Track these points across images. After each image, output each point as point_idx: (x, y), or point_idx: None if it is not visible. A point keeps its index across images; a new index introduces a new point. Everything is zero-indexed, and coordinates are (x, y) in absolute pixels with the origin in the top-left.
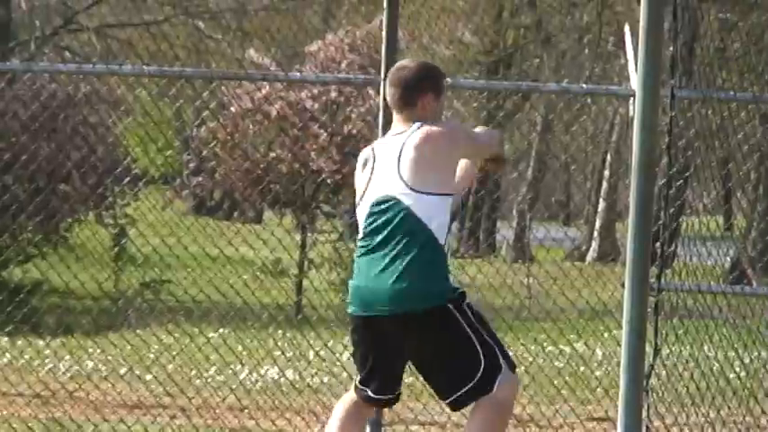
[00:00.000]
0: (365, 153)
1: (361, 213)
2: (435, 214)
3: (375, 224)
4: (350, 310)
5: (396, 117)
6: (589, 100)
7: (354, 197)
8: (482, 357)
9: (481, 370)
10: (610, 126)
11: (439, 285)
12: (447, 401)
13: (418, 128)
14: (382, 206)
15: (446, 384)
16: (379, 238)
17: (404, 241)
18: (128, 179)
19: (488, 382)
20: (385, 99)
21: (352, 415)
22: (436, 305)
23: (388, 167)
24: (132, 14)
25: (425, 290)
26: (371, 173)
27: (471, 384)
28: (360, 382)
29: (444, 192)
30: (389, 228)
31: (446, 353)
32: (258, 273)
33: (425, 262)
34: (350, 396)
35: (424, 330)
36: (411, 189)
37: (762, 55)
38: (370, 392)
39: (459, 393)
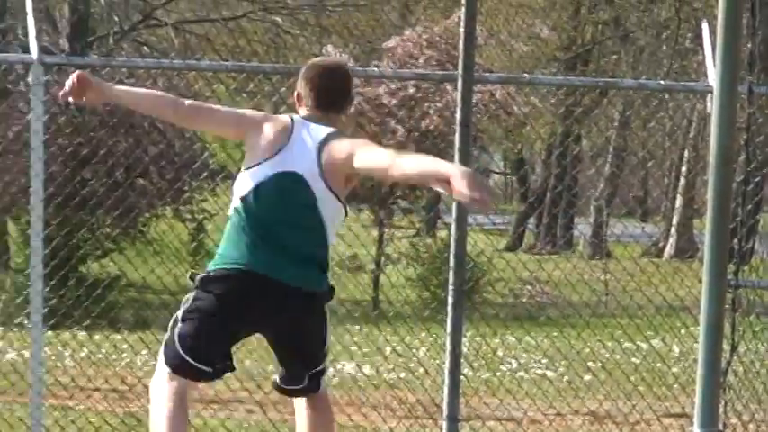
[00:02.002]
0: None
1: None
2: None
3: None
4: None
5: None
6: (667, 96)
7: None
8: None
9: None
10: (687, 122)
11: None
12: None
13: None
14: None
15: None
16: None
17: None
18: (205, 174)
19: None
20: (463, 94)
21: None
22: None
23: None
24: (210, 10)
25: None
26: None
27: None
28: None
29: None
30: None
31: None
32: (335, 268)
33: None
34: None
35: None
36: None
37: None
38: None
39: None
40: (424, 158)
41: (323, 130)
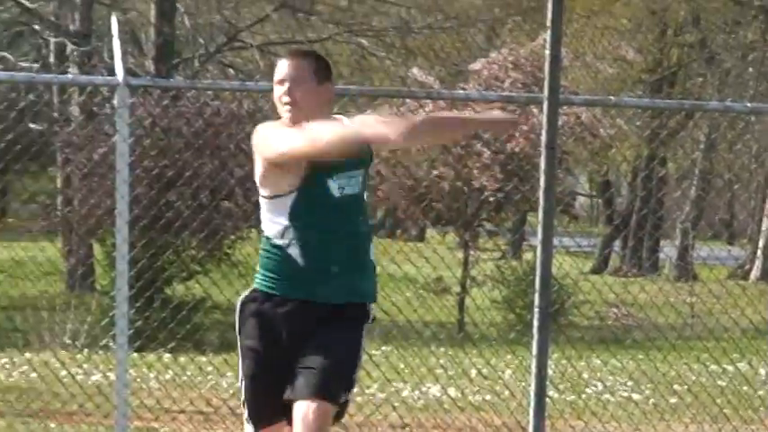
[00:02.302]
0: None
1: None
2: None
3: None
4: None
5: None
6: (753, 118)
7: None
8: None
9: None
10: None
11: None
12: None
13: None
14: None
15: None
16: None
17: None
18: None
19: None
20: (548, 117)
21: None
22: None
23: None
24: (296, 32)
25: None
26: None
27: None
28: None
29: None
30: None
31: None
32: (421, 290)
33: None
34: None
35: None
36: None
37: None
38: None
39: None
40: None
41: None
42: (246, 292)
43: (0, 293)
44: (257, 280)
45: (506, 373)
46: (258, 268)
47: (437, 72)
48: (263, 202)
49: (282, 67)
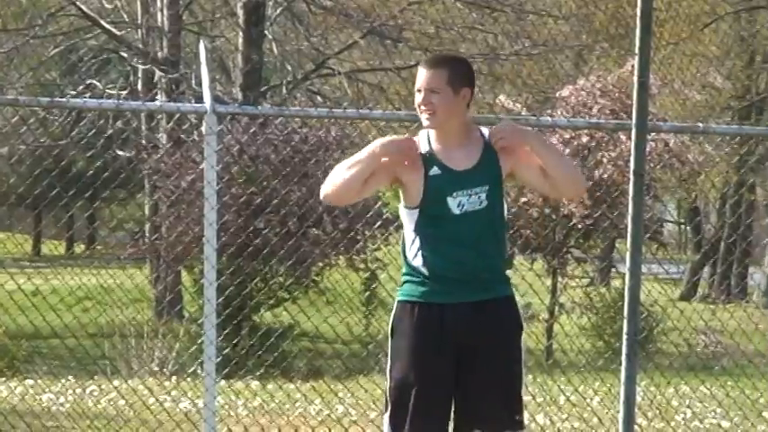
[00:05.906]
0: None
1: None
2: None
3: None
4: None
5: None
6: None
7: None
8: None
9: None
10: None
11: None
12: None
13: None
14: None
15: None
16: None
17: None
18: (378, 223)
19: None
20: (636, 143)
21: None
22: None
23: None
24: (383, 59)
25: None
26: None
27: None
28: None
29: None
30: None
31: None
32: None
33: None
34: None
35: None
36: None
37: None
38: None
39: None
40: None
41: None
42: None
43: (88, 321)
44: None
45: (595, 401)
46: None
47: (524, 99)
48: None
49: (420, 76)
